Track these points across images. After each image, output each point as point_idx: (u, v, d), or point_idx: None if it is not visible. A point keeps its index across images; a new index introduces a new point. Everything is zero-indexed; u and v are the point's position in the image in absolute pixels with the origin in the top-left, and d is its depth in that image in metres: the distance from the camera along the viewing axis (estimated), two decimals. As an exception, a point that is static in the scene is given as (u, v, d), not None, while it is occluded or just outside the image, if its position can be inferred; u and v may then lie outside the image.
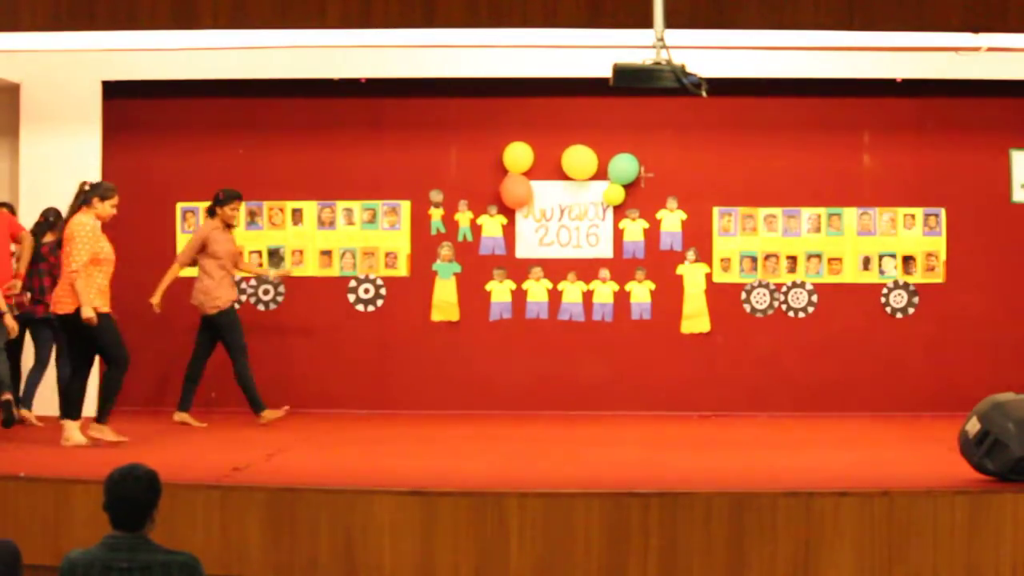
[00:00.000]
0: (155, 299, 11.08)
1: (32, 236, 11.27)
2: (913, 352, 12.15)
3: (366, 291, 12.37)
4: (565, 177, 12.39)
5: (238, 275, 11.62)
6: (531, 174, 12.40)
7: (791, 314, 12.27)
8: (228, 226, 11.25)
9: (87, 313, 9.40)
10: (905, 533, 7.49)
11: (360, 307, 12.32)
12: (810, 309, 12.28)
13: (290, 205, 12.51)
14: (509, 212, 12.47)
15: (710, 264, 12.41)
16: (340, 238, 12.44)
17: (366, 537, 7.56)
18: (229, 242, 11.19)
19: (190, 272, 11.22)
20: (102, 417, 9.62)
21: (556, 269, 12.41)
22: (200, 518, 7.64)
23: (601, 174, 12.31)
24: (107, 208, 9.80)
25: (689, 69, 7.60)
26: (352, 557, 7.56)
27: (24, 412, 11.21)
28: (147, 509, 5.04)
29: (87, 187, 9.86)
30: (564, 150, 12.33)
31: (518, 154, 12.32)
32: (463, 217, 12.47)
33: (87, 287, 9.48)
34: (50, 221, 11.44)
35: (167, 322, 11.77)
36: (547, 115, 12.41)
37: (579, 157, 12.30)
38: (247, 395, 11.11)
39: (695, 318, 12.43)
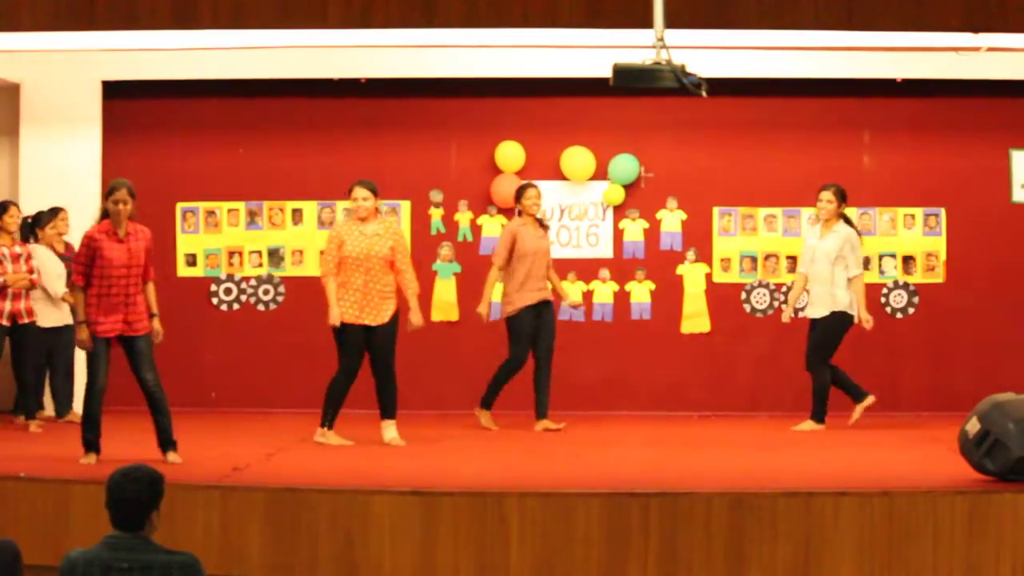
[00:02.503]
0: (482, 308, 10.93)
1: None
2: (913, 352, 12.15)
3: (366, 291, 12.37)
4: (565, 177, 12.40)
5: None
6: (531, 174, 12.39)
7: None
8: (540, 223, 10.97)
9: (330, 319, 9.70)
10: (905, 533, 7.49)
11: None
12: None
13: (290, 205, 12.51)
14: (509, 212, 12.47)
15: (710, 264, 12.41)
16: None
17: (366, 537, 7.56)
18: (535, 239, 10.83)
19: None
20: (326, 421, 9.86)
21: (556, 269, 12.39)
22: (200, 518, 7.64)
23: (600, 174, 12.31)
24: (351, 202, 9.83)
25: (689, 69, 7.60)
26: (352, 557, 7.56)
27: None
28: (146, 510, 5.03)
29: None
30: (563, 150, 12.33)
31: (508, 153, 12.31)
32: (463, 217, 12.47)
33: (330, 290, 9.69)
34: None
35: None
36: (547, 115, 12.41)
37: (578, 158, 12.30)
38: (536, 397, 10.88)
39: (695, 318, 12.42)
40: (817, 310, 10.64)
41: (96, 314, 8.86)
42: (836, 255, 10.47)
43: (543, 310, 10.82)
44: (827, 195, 10.59)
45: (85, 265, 8.87)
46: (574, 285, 12.32)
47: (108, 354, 8.93)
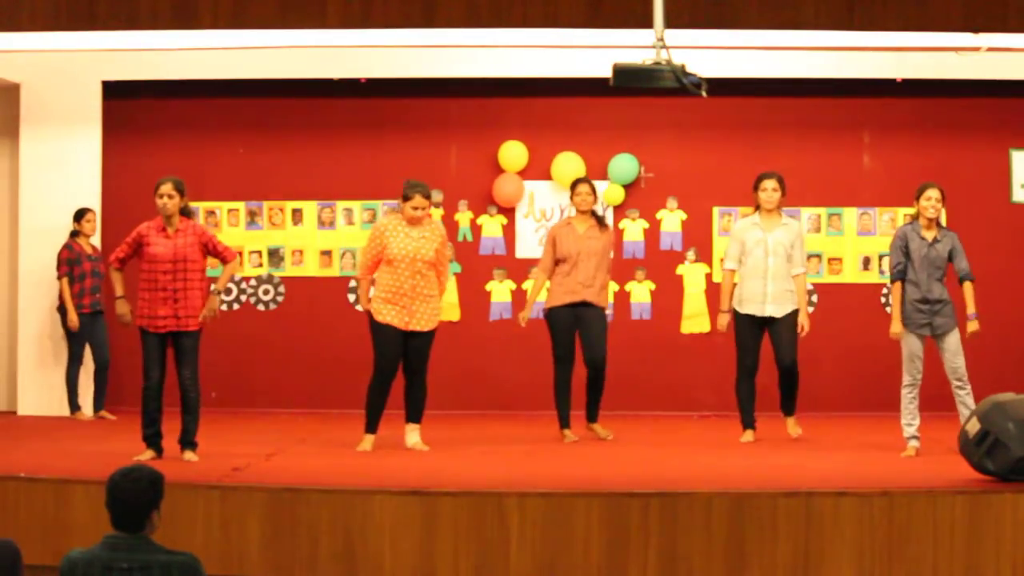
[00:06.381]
0: (523, 313, 10.50)
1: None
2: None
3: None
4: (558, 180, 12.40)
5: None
6: (530, 174, 12.41)
7: (791, 314, 12.25)
8: (599, 221, 10.36)
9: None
10: (905, 533, 7.49)
11: (360, 307, 12.33)
12: (809, 309, 12.24)
13: (290, 205, 12.52)
14: (509, 212, 12.48)
15: (710, 264, 12.41)
16: (340, 238, 12.44)
17: (366, 537, 7.56)
18: (581, 240, 10.26)
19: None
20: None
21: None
22: (200, 518, 7.64)
23: (599, 174, 12.29)
24: (407, 210, 9.49)
25: (689, 69, 7.59)
26: (352, 557, 7.57)
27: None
28: (145, 511, 5.03)
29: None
30: (564, 151, 12.33)
31: (512, 153, 12.32)
32: (463, 217, 12.48)
33: (363, 290, 9.68)
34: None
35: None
36: (547, 115, 12.42)
37: (568, 164, 12.28)
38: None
39: (695, 318, 12.43)
40: (784, 307, 10.03)
41: (146, 309, 8.99)
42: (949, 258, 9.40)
43: (583, 313, 10.27)
44: (936, 193, 9.41)
45: (126, 253, 9.08)
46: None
47: (161, 350, 9.03)
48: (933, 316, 9.31)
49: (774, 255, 10.06)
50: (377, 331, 9.57)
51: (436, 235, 9.60)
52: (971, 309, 9.40)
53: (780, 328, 10.07)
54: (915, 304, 9.30)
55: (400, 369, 9.67)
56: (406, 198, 9.52)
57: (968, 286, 9.41)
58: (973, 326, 9.42)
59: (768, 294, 10.06)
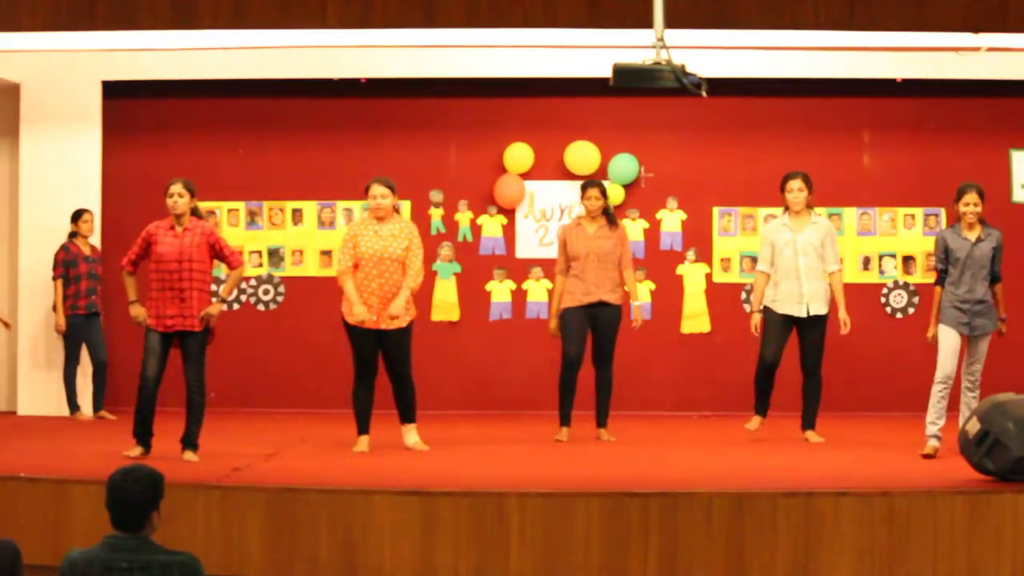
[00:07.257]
0: (551, 323, 10.40)
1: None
2: (913, 352, 12.13)
3: (366, 291, 12.38)
4: (566, 176, 12.40)
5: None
6: (531, 174, 12.41)
7: (791, 314, 12.25)
8: (609, 221, 10.26)
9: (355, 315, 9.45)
10: (905, 533, 7.49)
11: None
12: (810, 309, 12.28)
13: (290, 205, 12.52)
14: (509, 212, 12.48)
15: (710, 264, 12.41)
16: (340, 238, 12.40)
17: (366, 537, 7.56)
18: (591, 240, 10.21)
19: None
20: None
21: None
22: (200, 518, 7.65)
23: (602, 173, 12.31)
24: (368, 201, 9.53)
25: (689, 69, 7.59)
26: (352, 557, 7.57)
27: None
28: (145, 510, 5.03)
29: None
30: (565, 149, 12.34)
31: (518, 155, 12.32)
32: (463, 217, 12.48)
33: (347, 291, 9.51)
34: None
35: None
36: (547, 115, 12.42)
37: (582, 153, 12.30)
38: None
39: (695, 318, 12.43)
40: (824, 306, 10.13)
41: (155, 308, 8.99)
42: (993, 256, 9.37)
43: (598, 312, 10.22)
44: (974, 198, 9.27)
45: (136, 253, 9.10)
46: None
47: (163, 347, 9.02)
48: (974, 316, 9.31)
49: (804, 255, 10.05)
50: (349, 332, 9.57)
51: (404, 233, 9.54)
52: (1001, 312, 9.47)
53: (811, 331, 10.14)
54: (955, 304, 9.30)
55: (384, 370, 9.65)
56: (367, 189, 9.55)
57: (997, 288, 9.44)
58: (1001, 327, 9.49)
59: (805, 294, 10.07)
